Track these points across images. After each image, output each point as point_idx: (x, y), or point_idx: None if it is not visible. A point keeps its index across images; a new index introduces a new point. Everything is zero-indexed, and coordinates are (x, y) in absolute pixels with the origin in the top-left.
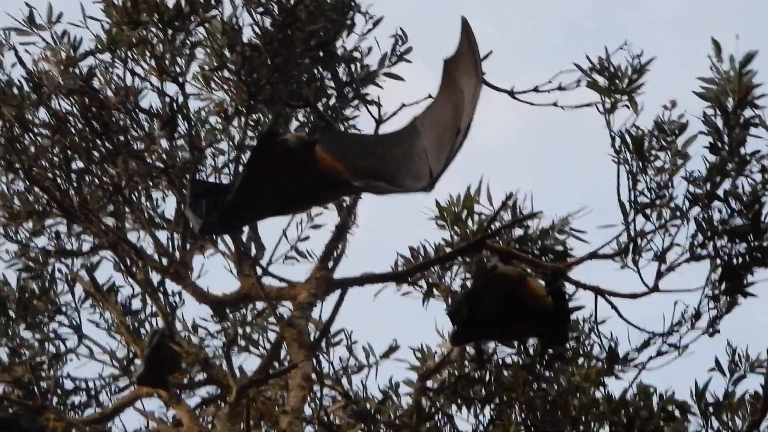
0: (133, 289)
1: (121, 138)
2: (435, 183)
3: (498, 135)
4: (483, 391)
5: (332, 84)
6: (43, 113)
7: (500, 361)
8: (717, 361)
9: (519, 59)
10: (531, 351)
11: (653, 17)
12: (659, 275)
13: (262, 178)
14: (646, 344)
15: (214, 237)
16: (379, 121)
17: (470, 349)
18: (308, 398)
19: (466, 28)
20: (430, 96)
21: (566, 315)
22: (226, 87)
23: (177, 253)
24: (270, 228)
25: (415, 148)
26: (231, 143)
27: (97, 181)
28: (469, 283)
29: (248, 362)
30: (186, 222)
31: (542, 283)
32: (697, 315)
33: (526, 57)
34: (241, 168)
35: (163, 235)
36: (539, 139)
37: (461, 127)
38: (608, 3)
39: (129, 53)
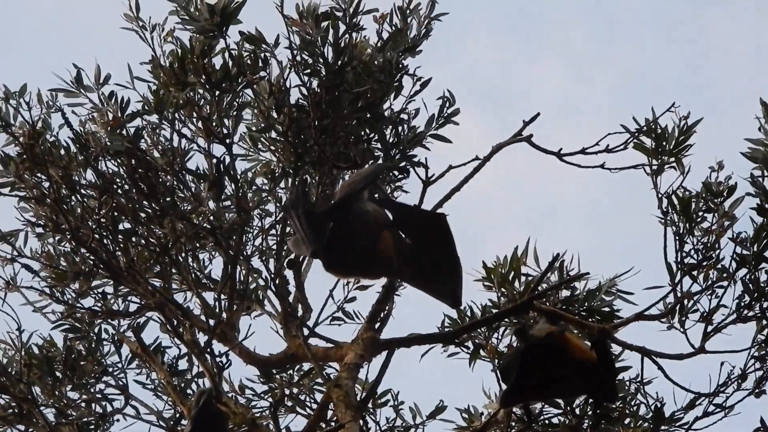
0: (180, 350)
1: (168, 199)
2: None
3: (545, 197)
4: None
5: (379, 145)
6: (90, 174)
7: (546, 422)
8: (762, 422)
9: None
10: (577, 411)
11: (699, 76)
12: (705, 336)
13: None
14: (692, 405)
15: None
16: (426, 183)
17: (517, 410)
18: None
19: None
20: (477, 158)
21: (614, 372)
22: (273, 148)
23: (224, 314)
24: (317, 289)
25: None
26: (278, 204)
27: (143, 241)
28: (516, 344)
29: (295, 423)
30: (233, 283)
31: (587, 342)
32: (744, 376)
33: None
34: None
35: (209, 296)
36: (586, 200)
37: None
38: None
39: (176, 114)
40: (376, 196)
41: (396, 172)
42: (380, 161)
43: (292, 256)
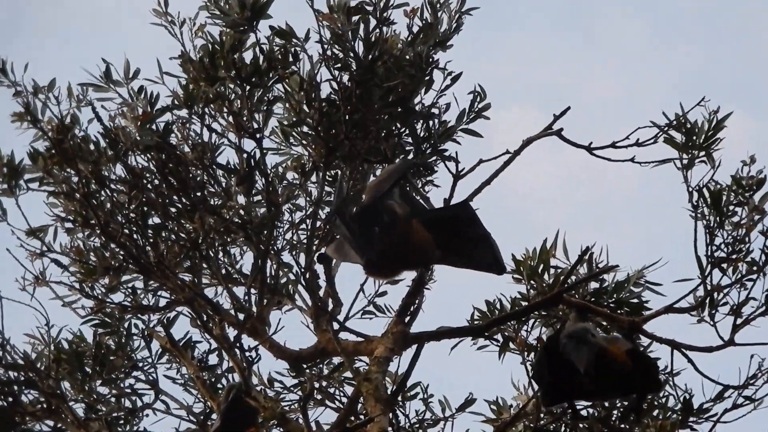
0: (210, 345)
1: (198, 194)
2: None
3: (575, 189)
4: None
5: (410, 140)
6: (119, 169)
7: (576, 414)
8: None
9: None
10: (606, 403)
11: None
12: (735, 328)
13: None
14: (720, 396)
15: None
16: (457, 177)
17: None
18: None
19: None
20: (507, 152)
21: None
22: (304, 142)
23: (254, 309)
24: (347, 283)
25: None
26: (308, 199)
27: (173, 236)
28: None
29: (325, 416)
30: (263, 278)
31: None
32: None
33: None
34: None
35: (240, 291)
36: (616, 193)
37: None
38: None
39: (206, 109)
40: (407, 188)
41: (422, 168)
42: (408, 156)
43: (333, 261)
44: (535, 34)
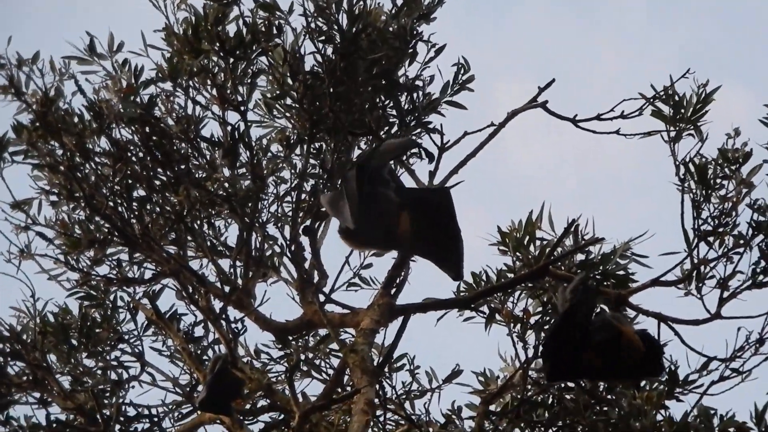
0: (196, 317)
1: (183, 166)
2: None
3: (560, 161)
4: (545, 414)
5: (394, 112)
6: (104, 142)
7: (562, 385)
8: None
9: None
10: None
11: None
12: (722, 302)
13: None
14: (705, 367)
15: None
16: (442, 149)
17: (533, 373)
18: (371, 423)
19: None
20: (492, 124)
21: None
22: (288, 115)
23: (239, 281)
24: (333, 255)
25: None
26: (293, 171)
27: (158, 209)
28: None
29: (311, 388)
30: (248, 250)
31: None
32: (761, 341)
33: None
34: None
35: (225, 263)
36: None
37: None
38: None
39: (190, 82)
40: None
41: (422, 153)
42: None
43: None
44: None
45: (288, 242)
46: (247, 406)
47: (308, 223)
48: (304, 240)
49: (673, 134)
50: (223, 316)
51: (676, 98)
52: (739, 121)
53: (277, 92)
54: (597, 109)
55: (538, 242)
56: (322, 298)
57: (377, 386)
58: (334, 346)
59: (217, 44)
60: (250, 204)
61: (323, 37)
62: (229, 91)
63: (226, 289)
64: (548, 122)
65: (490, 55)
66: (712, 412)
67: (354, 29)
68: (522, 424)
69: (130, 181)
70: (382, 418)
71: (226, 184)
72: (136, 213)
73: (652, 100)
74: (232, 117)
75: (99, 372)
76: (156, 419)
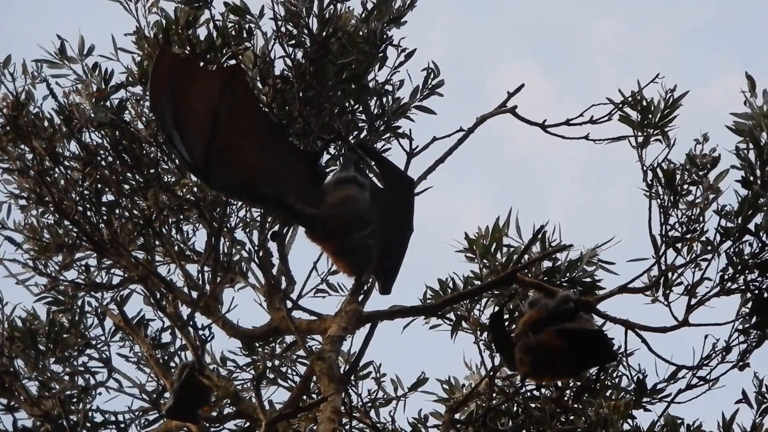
0: (163, 323)
1: (152, 171)
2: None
3: (528, 168)
4: (511, 423)
5: (364, 117)
6: (73, 146)
7: (528, 394)
8: (744, 393)
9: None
10: (559, 383)
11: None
12: (689, 309)
13: None
14: (673, 376)
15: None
16: (411, 155)
17: (499, 381)
18: (338, 431)
19: None
20: (461, 129)
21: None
22: None
23: (207, 287)
24: (300, 261)
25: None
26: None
27: (127, 214)
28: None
29: (278, 395)
30: (217, 255)
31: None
32: (728, 349)
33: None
34: None
35: (193, 269)
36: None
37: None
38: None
39: None
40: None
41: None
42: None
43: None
44: None
45: (256, 248)
46: (214, 414)
47: (276, 228)
48: (272, 245)
49: (641, 140)
50: (191, 322)
51: (644, 103)
52: (707, 127)
53: None
54: (603, 88)
55: (505, 249)
56: (289, 304)
57: (344, 394)
58: (301, 353)
59: (188, 48)
60: (218, 209)
61: (293, 41)
62: None
63: (194, 294)
64: (517, 125)
65: (493, 36)
66: (680, 421)
67: (324, 33)
68: None
69: (99, 186)
70: (348, 426)
71: (195, 189)
72: (105, 218)
73: (620, 105)
74: None
75: (66, 378)
76: (123, 426)
